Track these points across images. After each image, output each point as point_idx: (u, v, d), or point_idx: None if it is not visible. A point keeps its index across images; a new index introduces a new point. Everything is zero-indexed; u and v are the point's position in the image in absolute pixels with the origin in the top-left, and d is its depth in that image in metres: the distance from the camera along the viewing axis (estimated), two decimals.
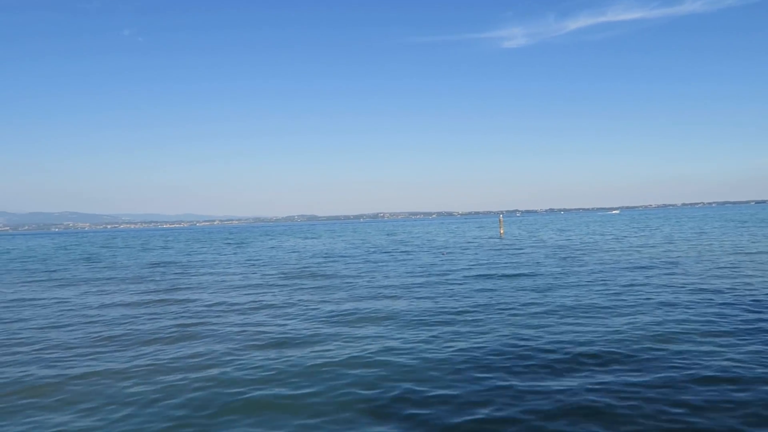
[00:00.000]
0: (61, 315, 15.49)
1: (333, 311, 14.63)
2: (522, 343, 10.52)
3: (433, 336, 11.34)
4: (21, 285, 24.48)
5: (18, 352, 11.18)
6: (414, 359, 9.65)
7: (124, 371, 9.49)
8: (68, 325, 13.86)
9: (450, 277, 21.50)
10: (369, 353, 10.13)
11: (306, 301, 16.67)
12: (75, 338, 12.32)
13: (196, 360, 10.09)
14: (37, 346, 11.64)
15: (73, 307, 16.86)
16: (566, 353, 9.69)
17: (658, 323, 11.73)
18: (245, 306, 16.12)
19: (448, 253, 35.12)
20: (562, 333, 11.19)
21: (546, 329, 11.59)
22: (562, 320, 12.42)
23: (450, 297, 16.34)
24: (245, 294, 18.82)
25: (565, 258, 27.57)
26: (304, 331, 12.28)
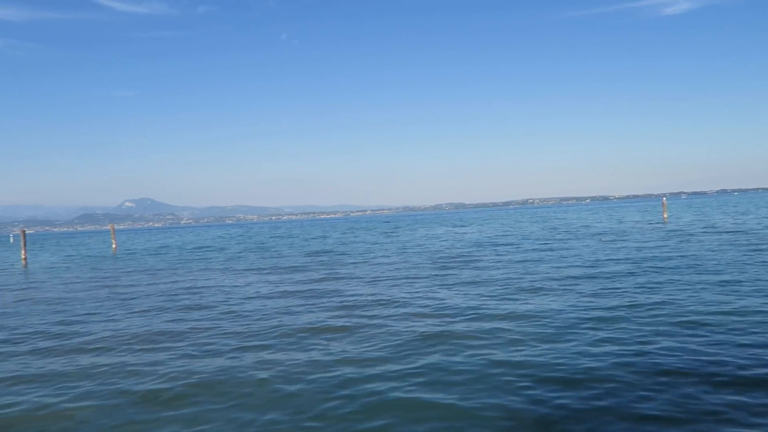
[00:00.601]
0: (235, 303, 16.99)
1: (488, 306, 14.38)
2: (701, 349, 9.48)
3: (598, 338, 10.62)
4: (202, 272, 27.40)
5: (197, 338, 12.44)
6: (576, 364, 9.11)
7: (292, 363, 10.09)
8: (241, 314, 15.13)
9: (611, 268, 20.13)
10: (526, 355, 9.77)
11: (461, 294, 16.59)
12: (244, 327, 13.33)
13: (357, 354, 10.44)
14: (212, 334, 12.86)
15: (246, 295, 18.43)
16: (757, 365, 8.57)
17: None
18: (401, 296, 16.43)
19: (606, 240, 33.00)
20: (750, 340, 9.91)
21: (732, 335, 10.33)
22: (753, 323, 11.00)
23: (614, 292, 15.27)
24: (400, 283, 19.22)
25: (745, 246, 24.47)
26: (460, 326, 12.18)
